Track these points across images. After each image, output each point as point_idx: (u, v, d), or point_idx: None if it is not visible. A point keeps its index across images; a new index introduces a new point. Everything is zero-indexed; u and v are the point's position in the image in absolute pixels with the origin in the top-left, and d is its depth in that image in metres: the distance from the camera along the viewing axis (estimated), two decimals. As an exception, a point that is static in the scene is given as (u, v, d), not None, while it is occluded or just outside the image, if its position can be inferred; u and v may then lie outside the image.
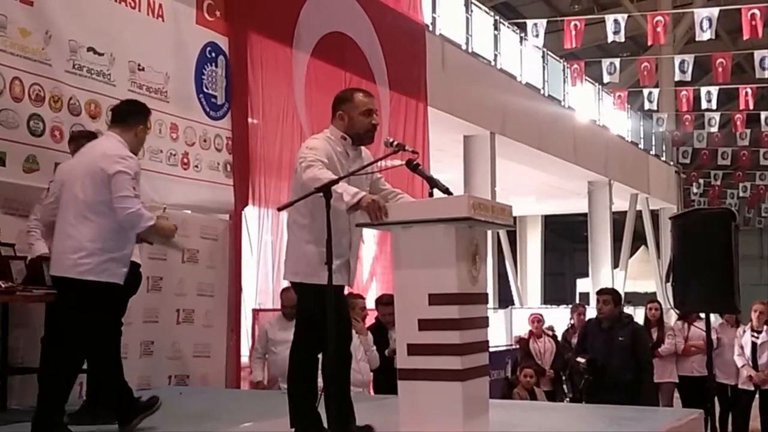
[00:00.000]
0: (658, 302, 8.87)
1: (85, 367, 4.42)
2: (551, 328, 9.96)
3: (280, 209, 4.30)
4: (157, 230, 4.24)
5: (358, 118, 4.04)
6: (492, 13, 15.25)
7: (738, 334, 8.24)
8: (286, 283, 5.71)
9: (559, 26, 16.60)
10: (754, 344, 8.04)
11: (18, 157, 5.50)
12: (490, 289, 11.42)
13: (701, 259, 5.55)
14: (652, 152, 23.37)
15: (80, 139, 5.01)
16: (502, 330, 15.04)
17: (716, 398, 8.16)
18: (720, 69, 17.64)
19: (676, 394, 8.61)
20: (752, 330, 8.12)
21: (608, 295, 7.21)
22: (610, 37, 15.88)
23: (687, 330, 8.44)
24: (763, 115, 21.84)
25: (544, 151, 15.76)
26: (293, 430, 3.99)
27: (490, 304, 9.73)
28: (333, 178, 3.68)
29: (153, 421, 4.71)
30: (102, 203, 4.08)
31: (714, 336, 7.65)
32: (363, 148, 4.17)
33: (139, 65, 6.44)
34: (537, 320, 9.36)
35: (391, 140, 4.01)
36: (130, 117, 4.38)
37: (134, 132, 4.34)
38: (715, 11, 15.54)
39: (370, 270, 9.08)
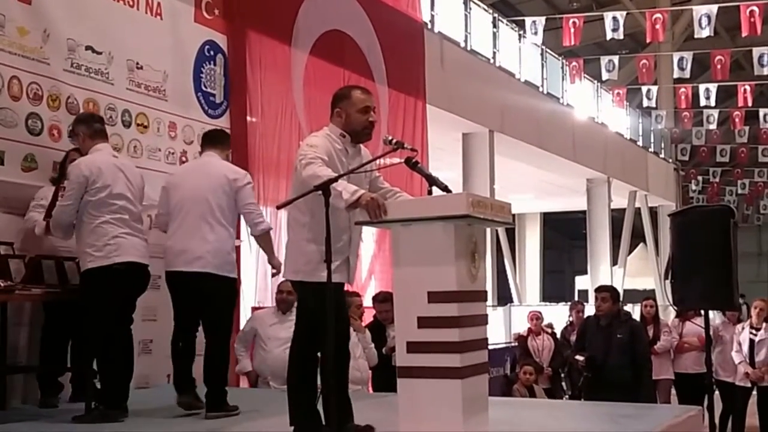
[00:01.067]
0: (654, 299, 8.87)
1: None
2: (550, 326, 9.95)
3: (279, 207, 4.29)
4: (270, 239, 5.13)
5: (355, 115, 4.03)
6: (491, 11, 15.23)
7: (737, 330, 8.24)
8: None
9: (558, 24, 16.64)
10: (752, 341, 8.05)
11: (16, 156, 5.49)
12: (489, 287, 11.36)
13: (700, 256, 5.54)
14: (651, 149, 23.36)
15: (92, 122, 5.02)
16: (501, 327, 15.04)
17: (720, 396, 8.20)
18: (719, 66, 17.66)
19: (674, 391, 8.62)
20: (751, 327, 8.13)
21: (607, 292, 7.21)
22: (609, 35, 15.91)
23: (681, 327, 8.45)
24: (761, 112, 21.87)
25: (543, 149, 15.75)
26: (292, 428, 3.99)
27: (489, 302, 9.71)
28: (332, 175, 3.68)
29: (153, 420, 4.72)
30: (231, 211, 4.92)
31: (713, 333, 7.66)
32: (362, 146, 4.17)
33: (137, 64, 6.43)
34: (536, 317, 9.37)
35: (390, 138, 4.01)
36: (225, 141, 5.29)
37: (226, 154, 5.21)
38: (713, 8, 15.55)
39: (369, 268, 9.08)
